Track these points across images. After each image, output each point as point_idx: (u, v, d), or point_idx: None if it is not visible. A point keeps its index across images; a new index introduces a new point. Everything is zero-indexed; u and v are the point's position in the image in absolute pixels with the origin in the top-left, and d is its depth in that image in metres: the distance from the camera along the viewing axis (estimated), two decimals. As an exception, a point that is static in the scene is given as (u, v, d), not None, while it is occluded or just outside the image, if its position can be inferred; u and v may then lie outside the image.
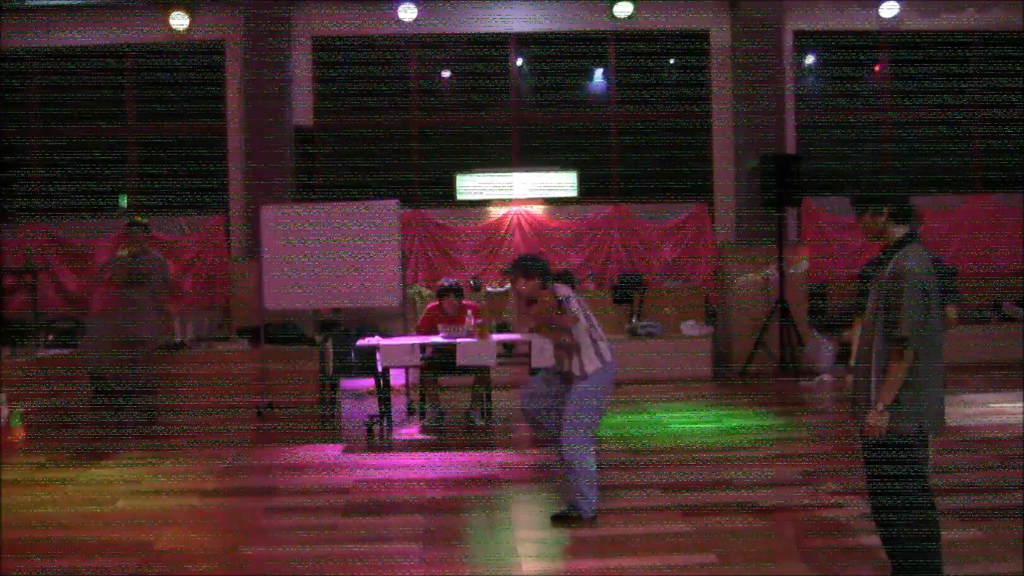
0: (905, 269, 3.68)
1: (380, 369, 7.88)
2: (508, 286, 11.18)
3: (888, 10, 11.90)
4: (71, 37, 11.69)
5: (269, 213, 8.66)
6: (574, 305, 5.21)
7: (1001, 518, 5.01)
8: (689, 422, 8.00)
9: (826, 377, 9.88)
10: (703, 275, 11.73)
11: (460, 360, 7.57)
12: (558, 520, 5.17)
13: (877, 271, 3.88)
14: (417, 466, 6.73)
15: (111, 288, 8.46)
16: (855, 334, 4.97)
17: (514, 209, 11.80)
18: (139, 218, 8.70)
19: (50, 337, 10.16)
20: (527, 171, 11.85)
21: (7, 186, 11.87)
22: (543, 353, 7.62)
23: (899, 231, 3.80)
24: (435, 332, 8.00)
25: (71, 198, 11.62)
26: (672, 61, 12.45)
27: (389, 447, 7.52)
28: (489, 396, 8.13)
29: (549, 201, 11.88)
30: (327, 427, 8.11)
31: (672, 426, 7.86)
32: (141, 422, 8.22)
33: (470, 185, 11.76)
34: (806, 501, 5.49)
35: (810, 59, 12.47)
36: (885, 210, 3.79)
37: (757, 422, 7.94)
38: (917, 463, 3.77)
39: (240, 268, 10.81)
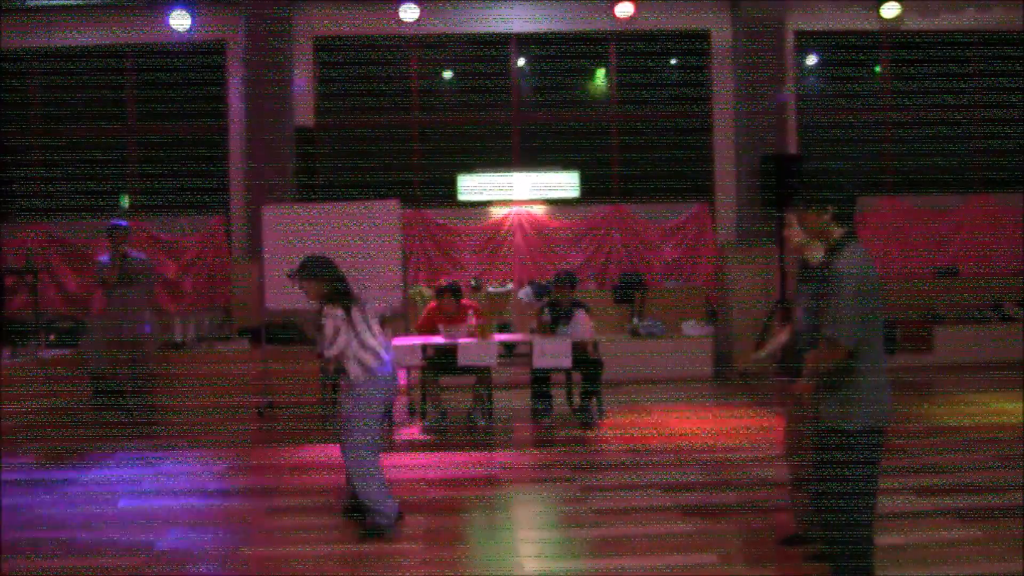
0: (842, 270, 3.68)
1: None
2: (509, 286, 11.19)
3: (889, 10, 11.90)
4: (72, 37, 11.68)
5: (270, 213, 8.67)
6: (329, 327, 5.06)
7: (1001, 518, 5.01)
8: (689, 422, 8.01)
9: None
10: (704, 275, 11.74)
11: (461, 360, 7.58)
12: (368, 535, 5.03)
13: (819, 270, 3.89)
14: (418, 466, 6.74)
15: (102, 291, 8.51)
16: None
17: (515, 209, 11.81)
18: (119, 220, 8.71)
19: (51, 337, 10.16)
20: (528, 171, 11.85)
21: (7, 186, 11.87)
22: (545, 353, 7.64)
23: (838, 231, 3.80)
24: (435, 332, 8.01)
25: (71, 198, 11.62)
26: (673, 61, 12.44)
27: (390, 447, 7.52)
28: (490, 396, 8.14)
29: (550, 201, 11.88)
30: (328, 427, 8.11)
31: (672, 426, 7.86)
32: (140, 422, 8.25)
33: (471, 185, 11.76)
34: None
35: (811, 59, 12.46)
36: (829, 209, 3.79)
37: (757, 422, 7.94)
38: (863, 463, 3.76)
39: (241, 268, 10.82)
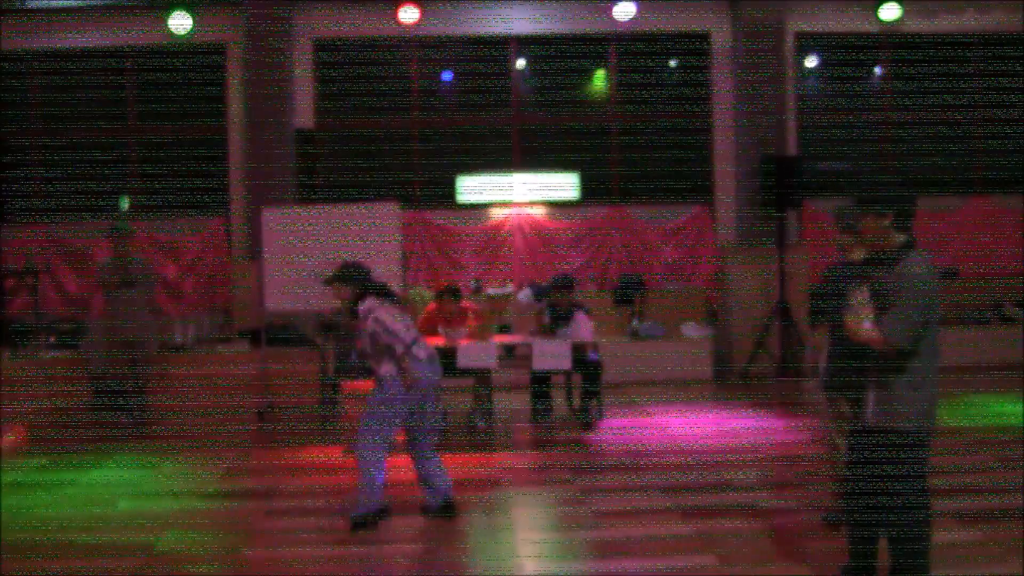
0: (913, 275, 3.67)
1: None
2: (509, 288, 11.19)
3: (888, 12, 11.91)
4: (72, 39, 11.70)
5: (270, 214, 8.67)
6: (385, 316, 5.20)
7: (1001, 520, 5.01)
8: (689, 423, 8.00)
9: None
10: (704, 276, 11.74)
11: (461, 362, 7.58)
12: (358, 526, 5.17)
13: (876, 272, 3.85)
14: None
15: (102, 292, 8.52)
16: (821, 338, 4.97)
17: (515, 211, 11.81)
18: (120, 223, 8.71)
19: (52, 338, 10.16)
20: (528, 172, 11.85)
21: (8, 186, 11.87)
22: (545, 355, 7.64)
23: (900, 236, 3.78)
24: (435, 334, 8.01)
25: (72, 199, 11.61)
26: (673, 63, 12.45)
27: (390, 449, 7.51)
28: (490, 397, 8.14)
29: (550, 203, 11.89)
30: (328, 428, 8.11)
31: (672, 428, 7.86)
32: (139, 422, 8.26)
33: (471, 186, 11.77)
34: (806, 502, 5.49)
35: (811, 61, 12.47)
36: (889, 213, 3.76)
37: (757, 423, 7.94)
38: (918, 463, 3.78)
39: (241, 269, 10.82)
